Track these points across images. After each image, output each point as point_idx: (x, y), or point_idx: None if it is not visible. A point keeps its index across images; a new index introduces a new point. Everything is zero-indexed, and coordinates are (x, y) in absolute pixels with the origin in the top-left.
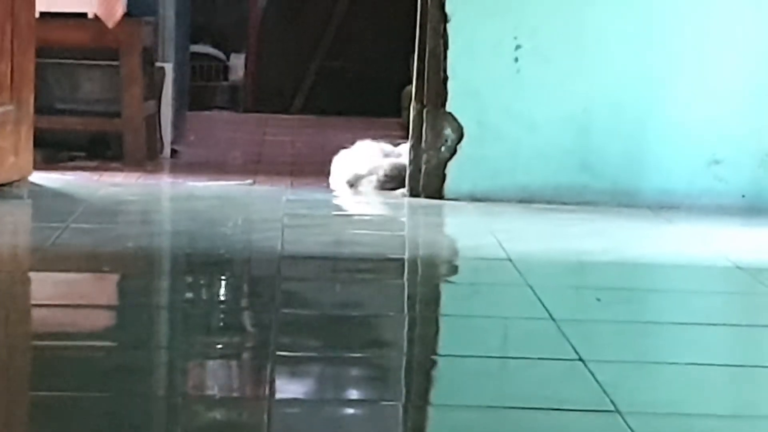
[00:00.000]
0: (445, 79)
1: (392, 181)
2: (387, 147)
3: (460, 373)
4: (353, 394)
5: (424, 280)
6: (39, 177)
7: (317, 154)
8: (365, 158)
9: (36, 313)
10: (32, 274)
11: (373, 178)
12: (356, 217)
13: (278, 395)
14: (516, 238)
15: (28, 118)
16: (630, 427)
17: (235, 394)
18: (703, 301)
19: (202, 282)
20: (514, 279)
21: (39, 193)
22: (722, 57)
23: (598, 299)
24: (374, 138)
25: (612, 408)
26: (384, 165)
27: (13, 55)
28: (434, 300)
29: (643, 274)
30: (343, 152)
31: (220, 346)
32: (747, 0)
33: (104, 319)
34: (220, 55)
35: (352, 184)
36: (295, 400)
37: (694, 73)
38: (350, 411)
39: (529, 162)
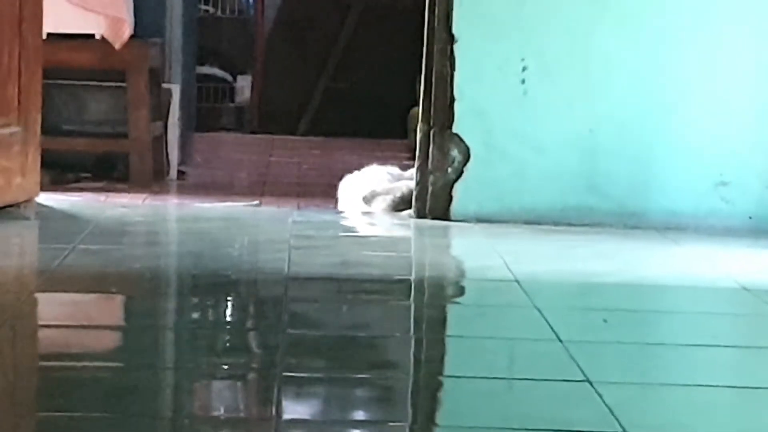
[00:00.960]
0: (452, 100)
1: (406, 203)
2: (395, 171)
3: (467, 394)
4: (360, 415)
5: (431, 301)
6: (46, 198)
7: (324, 176)
8: (378, 179)
9: (43, 333)
10: (39, 295)
11: (389, 198)
12: (363, 239)
13: (285, 416)
14: (523, 260)
15: (35, 139)
16: None
17: (241, 415)
18: (710, 322)
19: (208, 303)
20: (520, 300)
21: (46, 214)
22: (729, 78)
23: (605, 320)
24: (380, 160)
25: (619, 429)
26: (402, 187)
27: (21, 76)
28: (441, 321)
29: (650, 295)
30: (348, 176)
31: (226, 366)
32: (753, 21)
33: (111, 340)
34: (227, 76)
35: (368, 200)
36: (301, 420)
37: (700, 94)
38: None
39: (536, 183)
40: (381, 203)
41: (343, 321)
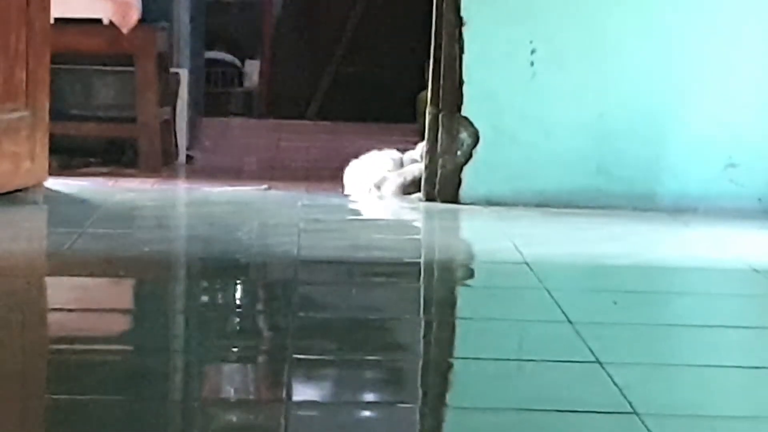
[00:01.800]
0: (461, 83)
1: (416, 185)
2: (396, 155)
3: (477, 375)
4: (370, 396)
5: (441, 283)
6: (54, 183)
7: (332, 160)
8: (383, 164)
9: (52, 317)
10: (49, 279)
11: (399, 180)
12: (372, 222)
13: (295, 398)
14: (532, 242)
15: (43, 124)
16: (648, 429)
17: (252, 397)
18: (719, 303)
19: (218, 286)
20: (530, 282)
21: (54, 198)
22: (738, 61)
23: (615, 302)
24: (389, 144)
25: (630, 410)
26: (414, 170)
27: (29, 61)
28: (451, 303)
29: (660, 277)
30: (353, 163)
31: (237, 349)
32: (763, 7)
33: (121, 324)
34: (235, 61)
35: (379, 186)
36: (312, 402)
37: (709, 77)
38: (367, 413)
39: (545, 166)
40: (391, 186)
41: (353, 303)
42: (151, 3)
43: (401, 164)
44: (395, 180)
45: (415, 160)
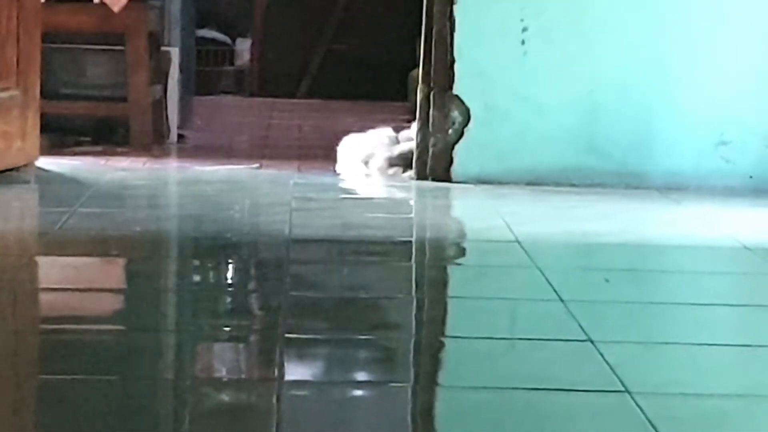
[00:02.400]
0: (452, 61)
1: (403, 160)
2: (392, 133)
3: (469, 354)
4: (362, 375)
5: (432, 262)
6: (45, 162)
7: (324, 138)
8: (376, 142)
9: (44, 297)
10: (40, 259)
11: (386, 155)
12: (364, 200)
13: (287, 377)
14: (524, 220)
15: (34, 102)
16: (640, 407)
17: (244, 377)
18: (711, 281)
19: (210, 265)
20: (522, 261)
21: (46, 177)
22: (729, 38)
23: (607, 280)
24: (381, 122)
25: (621, 388)
26: (402, 147)
27: (19, 40)
28: (442, 282)
29: (651, 255)
30: (347, 138)
31: (228, 328)
32: None
33: (112, 303)
34: (226, 39)
35: (366, 162)
36: (304, 382)
37: (701, 54)
38: (359, 393)
39: (537, 144)
40: (377, 162)
41: (345, 282)
42: None
43: (396, 142)
44: (382, 156)
45: (410, 139)
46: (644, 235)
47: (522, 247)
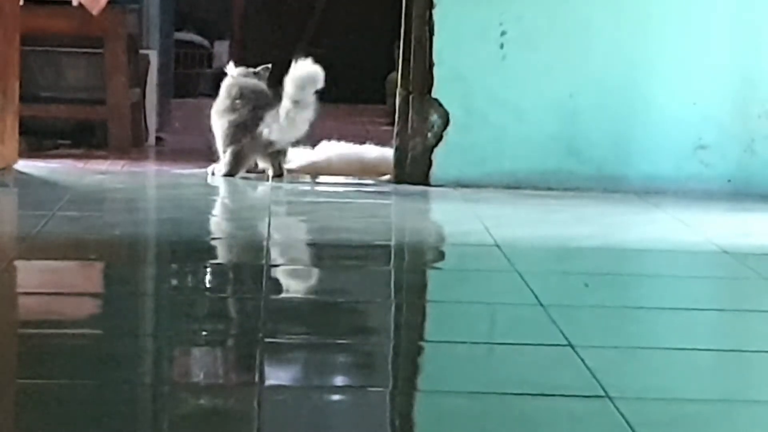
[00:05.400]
0: (431, 65)
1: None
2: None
3: (448, 359)
4: (342, 380)
5: (411, 266)
6: (24, 165)
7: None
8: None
9: (22, 301)
10: (18, 263)
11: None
12: (343, 204)
13: (267, 382)
14: (503, 224)
15: (13, 106)
16: (620, 412)
17: (223, 382)
18: (690, 285)
19: (188, 269)
20: (501, 265)
21: (24, 181)
22: (709, 42)
23: (586, 284)
24: (359, 125)
25: (602, 393)
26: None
27: None
28: (421, 286)
29: (631, 259)
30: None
31: (207, 333)
32: None
33: (90, 307)
34: (204, 42)
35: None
36: (284, 387)
37: (680, 58)
38: (339, 397)
39: (516, 148)
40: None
41: (324, 286)
42: None
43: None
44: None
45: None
46: (623, 239)
47: (501, 251)
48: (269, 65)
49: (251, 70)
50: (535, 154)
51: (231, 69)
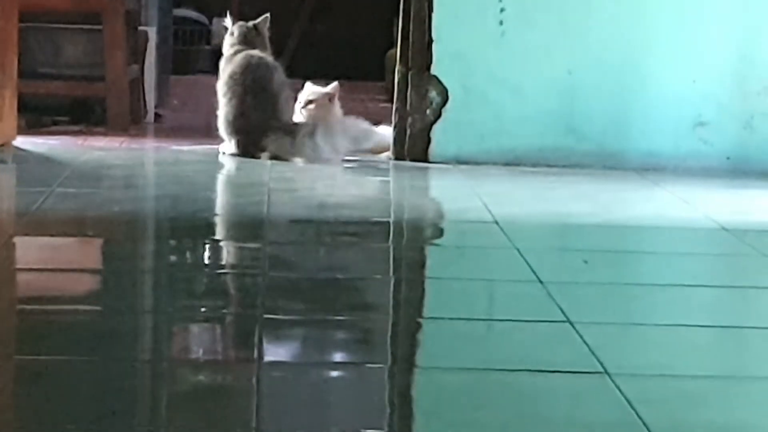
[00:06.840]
0: (430, 42)
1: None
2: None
3: (447, 335)
4: (341, 357)
5: (410, 243)
6: (23, 142)
7: None
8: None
9: (21, 277)
10: (17, 239)
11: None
12: (342, 181)
13: (266, 358)
14: (502, 201)
15: (11, 82)
16: (619, 389)
17: (223, 358)
18: (689, 262)
19: (187, 246)
20: (500, 242)
21: (23, 157)
22: (708, 19)
23: (585, 261)
24: (358, 102)
25: (601, 369)
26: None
27: None
28: (420, 263)
29: (630, 236)
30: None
31: (206, 310)
32: None
33: (89, 284)
34: (203, 19)
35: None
36: (283, 363)
37: (679, 35)
38: (338, 374)
39: (515, 125)
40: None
41: (323, 263)
42: None
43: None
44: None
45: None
46: (622, 216)
47: (500, 228)
48: (267, 15)
49: (250, 23)
50: (534, 131)
51: (228, 23)
